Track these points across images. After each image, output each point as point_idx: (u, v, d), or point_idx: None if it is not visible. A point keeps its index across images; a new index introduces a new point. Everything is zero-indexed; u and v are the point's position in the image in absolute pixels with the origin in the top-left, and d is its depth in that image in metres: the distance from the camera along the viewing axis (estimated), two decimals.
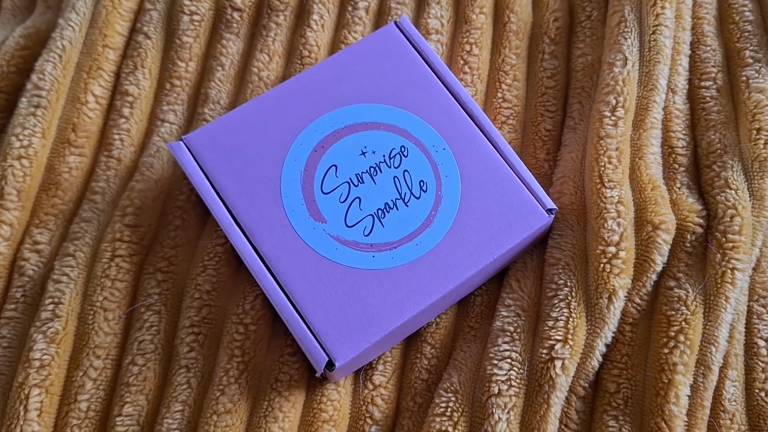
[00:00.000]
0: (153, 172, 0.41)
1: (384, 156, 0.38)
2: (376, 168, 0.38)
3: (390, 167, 0.38)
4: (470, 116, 0.39)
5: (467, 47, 0.44)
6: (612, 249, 0.37)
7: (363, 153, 0.38)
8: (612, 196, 0.38)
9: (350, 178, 0.38)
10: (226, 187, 0.37)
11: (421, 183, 0.38)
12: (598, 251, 0.37)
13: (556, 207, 0.38)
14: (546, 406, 0.36)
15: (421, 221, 0.37)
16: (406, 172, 0.38)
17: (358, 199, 0.37)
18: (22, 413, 0.36)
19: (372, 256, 0.36)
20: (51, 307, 0.38)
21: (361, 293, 0.36)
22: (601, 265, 0.37)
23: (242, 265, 0.40)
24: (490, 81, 0.45)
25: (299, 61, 0.44)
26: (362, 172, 0.38)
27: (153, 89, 0.44)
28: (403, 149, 0.38)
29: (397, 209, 0.37)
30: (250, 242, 0.36)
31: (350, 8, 0.46)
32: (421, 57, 0.40)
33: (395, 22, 0.41)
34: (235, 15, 0.46)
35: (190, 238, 0.41)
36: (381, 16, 0.46)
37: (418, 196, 0.37)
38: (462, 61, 0.44)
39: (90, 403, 0.37)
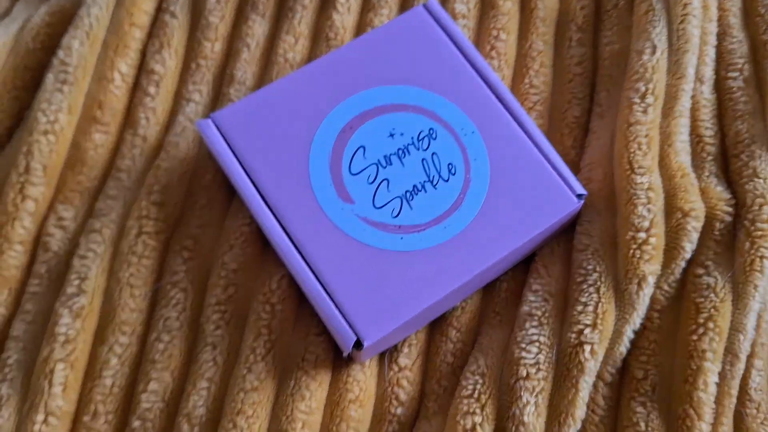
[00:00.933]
0: (178, 151, 0.41)
1: (412, 138, 0.38)
2: (405, 150, 0.38)
3: (418, 149, 0.38)
4: (500, 100, 0.39)
5: (494, 32, 0.44)
6: (642, 235, 0.37)
7: (391, 135, 0.38)
8: (642, 183, 0.38)
9: (378, 160, 0.37)
10: (253, 166, 0.37)
11: (450, 166, 0.37)
12: (628, 237, 0.37)
13: (585, 192, 0.38)
14: (574, 390, 0.36)
15: (450, 204, 0.37)
16: (434, 155, 0.38)
17: (386, 181, 0.37)
18: (46, 388, 0.36)
19: (400, 237, 0.36)
20: (77, 282, 0.38)
21: (389, 274, 0.35)
22: (631, 251, 0.37)
23: (268, 246, 0.40)
24: (517, 67, 0.45)
25: (325, 44, 0.44)
26: (390, 154, 0.38)
27: (178, 69, 0.44)
28: (431, 132, 0.38)
29: (426, 192, 0.37)
30: (278, 221, 0.36)
31: None
32: (450, 40, 0.40)
33: (423, 5, 0.41)
34: None
35: (216, 217, 0.40)
36: (408, 0, 0.46)
37: (446, 179, 0.37)
38: (489, 46, 0.44)
39: (115, 379, 0.37)
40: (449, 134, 0.38)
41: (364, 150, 0.38)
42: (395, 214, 0.36)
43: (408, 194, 0.37)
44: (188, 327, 0.38)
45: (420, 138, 0.38)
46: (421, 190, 0.37)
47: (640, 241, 0.37)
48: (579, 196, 0.38)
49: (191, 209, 0.40)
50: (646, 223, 0.37)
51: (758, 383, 0.38)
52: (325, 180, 0.37)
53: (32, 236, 0.40)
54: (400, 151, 0.38)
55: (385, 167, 0.37)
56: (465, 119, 0.38)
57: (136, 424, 0.36)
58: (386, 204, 0.37)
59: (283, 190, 0.37)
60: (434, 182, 0.37)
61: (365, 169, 0.37)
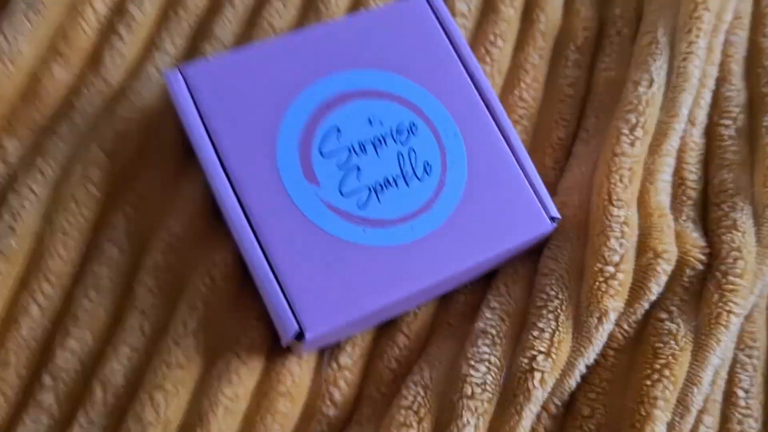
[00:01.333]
0: (140, 101, 0.38)
1: (391, 129, 0.36)
2: (382, 140, 0.36)
3: (396, 142, 0.36)
4: (488, 107, 0.37)
5: (491, 37, 0.43)
6: (611, 269, 0.35)
7: (370, 121, 0.36)
8: (618, 216, 0.36)
9: (352, 145, 0.35)
10: (217, 130, 0.34)
11: (426, 165, 0.36)
12: (595, 268, 0.36)
13: (559, 216, 0.37)
14: (517, 417, 0.34)
15: (420, 205, 0.35)
16: (411, 151, 0.36)
17: (357, 168, 0.35)
18: None
19: (363, 230, 0.34)
20: (9, 220, 0.35)
21: (345, 267, 0.33)
22: (597, 283, 0.35)
23: (219, 218, 0.37)
24: (509, 76, 0.43)
25: (315, 15, 0.42)
26: (366, 141, 0.35)
27: (156, 15, 0.42)
28: (412, 126, 0.36)
29: (397, 187, 0.35)
30: (234, 192, 0.34)
31: None
32: (445, 36, 0.38)
33: None
34: None
35: (168, 178, 0.38)
36: None
37: (420, 177, 0.35)
38: (484, 50, 0.43)
39: (33, 331, 0.34)
40: (430, 132, 0.36)
41: (339, 132, 0.35)
42: (361, 204, 0.34)
43: (378, 186, 0.35)
44: (119, 288, 0.35)
45: (399, 130, 0.36)
46: (392, 185, 0.35)
47: (607, 274, 0.35)
48: (552, 219, 0.36)
49: (143, 165, 0.38)
50: (617, 257, 0.36)
51: None
52: (292, 156, 0.34)
53: None
54: (377, 140, 0.36)
55: (358, 154, 0.35)
56: (449, 120, 0.37)
57: (47, 380, 0.33)
58: (353, 192, 0.34)
59: (245, 160, 0.34)
60: (407, 179, 0.35)
61: (337, 151, 0.35)
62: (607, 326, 0.35)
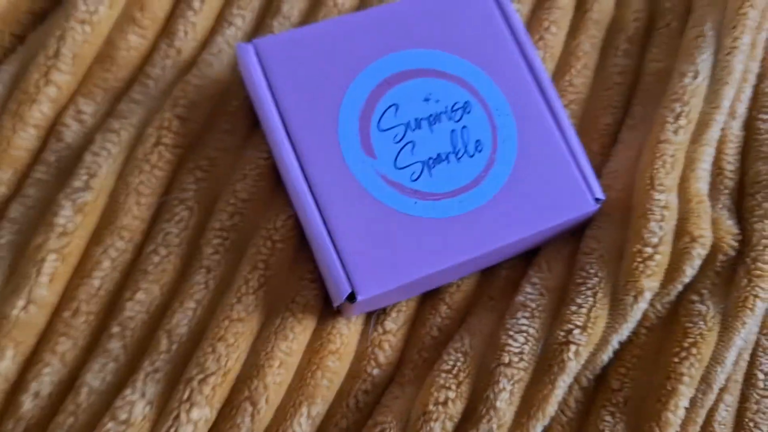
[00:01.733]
0: (211, 71, 0.41)
1: (447, 107, 0.38)
2: (437, 117, 0.37)
3: (450, 120, 0.37)
4: (540, 89, 0.39)
5: (546, 24, 0.44)
6: (649, 250, 0.37)
7: (427, 99, 0.38)
8: (659, 200, 0.38)
9: (409, 121, 0.37)
10: (283, 101, 0.36)
11: (477, 143, 0.37)
12: (635, 249, 0.37)
13: (603, 197, 0.38)
14: (551, 386, 0.36)
15: (469, 180, 0.37)
16: (464, 128, 0.37)
17: (411, 144, 0.37)
18: (33, 275, 0.35)
19: (414, 202, 0.36)
20: (85, 177, 0.37)
21: (396, 235, 0.35)
22: (635, 264, 0.37)
23: (281, 184, 0.39)
24: (560, 62, 0.45)
25: None
26: (422, 118, 0.37)
27: None
28: (467, 105, 0.38)
29: (448, 162, 0.37)
30: (297, 160, 0.36)
31: None
32: (503, 18, 0.40)
33: None
34: None
35: (236, 144, 0.40)
36: None
37: (471, 154, 0.37)
38: (538, 36, 0.44)
39: (103, 282, 0.37)
40: (483, 111, 0.38)
41: (397, 108, 0.37)
42: (414, 177, 0.36)
43: (431, 161, 0.37)
44: (187, 245, 0.38)
45: (454, 109, 0.38)
46: (444, 160, 0.37)
47: (646, 255, 0.37)
48: (597, 200, 0.38)
49: (212, 131, 0.40)
50: (656, 240, 0.37)
51: (724, 417, 0.39)
52: (352, 130, 0.36)
53: (49, 123, 0.39)
54: (432, 118, 0.37)
55: (413, 130, 0.37)
56: (502, 99, 0.38)
57: (115, 329, 0.36)
58: (408, 166, 0.36)
59: (308, 131, 0.36)
60: (459, 155, 0.37)
61: (394, 127, 0.37)
62: (642, 305, 0.37)
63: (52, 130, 0.39)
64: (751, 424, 0.39)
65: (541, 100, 0.39)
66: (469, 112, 0.38)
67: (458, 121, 0.38)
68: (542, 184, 0.37)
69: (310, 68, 0.37)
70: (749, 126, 0.43)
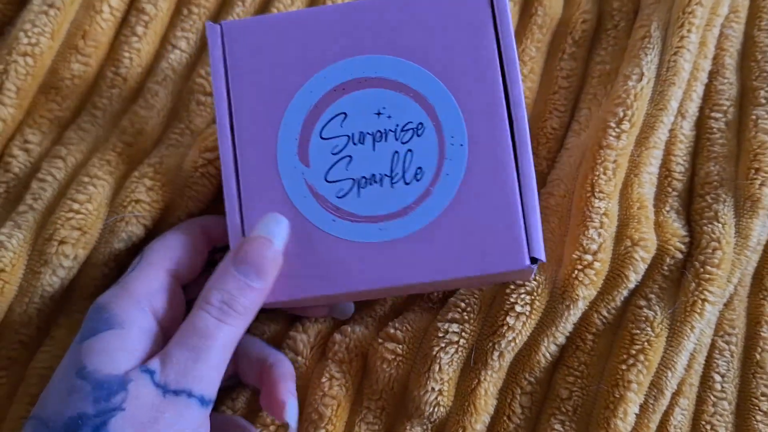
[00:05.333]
0: (156, 101, 0.41)
1: (398, 125, 0.34)
2: (384, 135, 0.34)
3: (397, 140, 0.34)
4: (511, 125, 0.34)
5: None
6: (588, 257, 0.37)
7: (379, 113, 0.34)
8: (599, 207, 0.38)
9: (353, 134, 0.34)
10: (236, 86, 0.35)
11: (419, 170, 0.34)
12: (574, 256, 0.37)
13: (543, 259, 0.33)
14: (477, 380, 0.37)
15: (397, 208, 0.34)
16: (409, 152, 0.34)
17: (349, 158, 0.34)
18: None
19: (333, 219, 0.34)
20: (30, 201, 0.38)
21: (307, 249, 0.34)
22: (575, 272, 0.37)
23: None
24: None
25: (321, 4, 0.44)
26: (367, 133, 0.34)
27: (170, 12, 0.44)
28: (420, 127, 0.34)
29: (381, 186, 0.34)
30: (233, 148, 0.35)
31: None
32: (495, 35, 0.35)
33: None
34: None
35: (177, 156, 0.40)
36: None
37: (408, 181, 0.34)
38: None
39: (52, 300, 0.37)
40: (436, 137, 0.34)
41: (345, 118, 0.34)
42: (341, 194, 0.34)
43: (363, 181, 0.34)
44: None
45: (405, 128, 0.34)
46: (377, 182, 0.34)
47: (585, 263, 0.37)
48: (534, 259, 0.33)
49: (157, 148, 0.41)
50: (594, 246, 0.37)
51: (680, 421, 0.39)
52: (293, 132, 0.34)
53: None
54: (378, 134, 0.34)
55: (355, 144, 0.34)
56: (462, 128, 0.34)
57: None
58: (337, 181, 0.34)
59: (250, 123, 0.35)
60: (395, 180, 0.34)
61: (336, 138, 0.34)
62: (575, 311, 0.38)
63: (0, 162, 0.40)
64: (708, 427, 0.39)
65: (508, 135, 0.34)
66: (419, 135, 0.34)
67: (405, 143, 0.34)
68: (476, 228, 0.33)
69: (269, 58, 0.35)
70: (701, 125, 0.43)
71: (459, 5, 0.35)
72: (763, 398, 0.40)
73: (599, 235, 0.37)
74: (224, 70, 0.35)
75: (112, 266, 0.38)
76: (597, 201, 0.38)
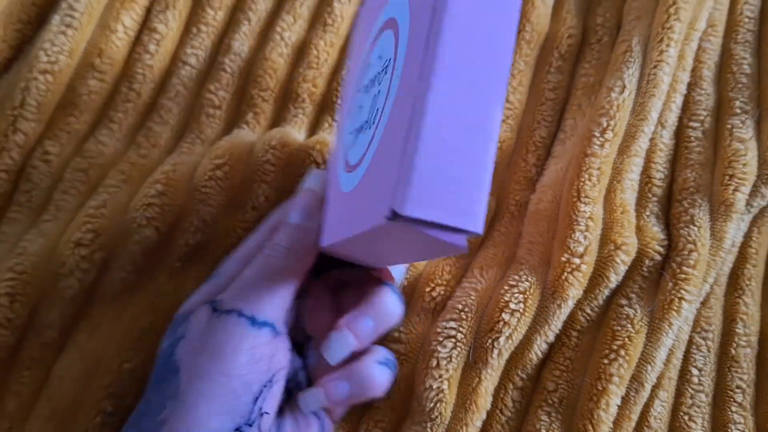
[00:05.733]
0: (170, 117, 0.44)
1: (383, 67, 0.30)
2: (376, 78, 0.30)
3: (380, 83, 0.29)
4: (429, 53, 0.25)
5: None
6: (576, 260, 0.40)
7: (380, 57, 0.31)
8: (584, 211, 0.41)
9: (366, 82, 0.32)
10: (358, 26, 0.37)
11: (377, 113, 0.29)
12: (563, 259, 0.40)
13: (414, 215, 0.23)
14: (477, 379, 0.39)
15: (359, 157, 0.29)
16: (379, 93, 0.29)
17: (359, 107, 0.32)
18: None
19: (343, 173, 0.32)
20: (54, 212, 0.41)
21: (331, 200, 0.34)
22: (564, 274, 0.40)
23: None
24: None
25: (322, 28, 0.47)
26: (371, 79, 0.31)
27: (180, 31, 0.47)
28: (387, 64, 0.29)
29: (365, 134, 0.30)
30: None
31: None
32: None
33: None
34: None
35: (189, 164, 0.43)
36: None
37: (370, 126, 0.29)
38: None
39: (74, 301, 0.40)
40: (390, 75, 0.28)
41: (368, 65, 0.33)
42: (350, 145, 0.32)
43: (358, 129, 0.31)
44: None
45: (385, 68, 0.29)
46: (363, 130, 0.30)
47: (574, 265, 0.40)
48: (396, 215, 0.23)
49: (169, 157, 0.43)
50: (581, 249, 0.40)
51: (659, 412, 0.41)
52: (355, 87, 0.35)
53: (18, 167, 0.43)
54: (376, 78, 0.30)
55: (365, 92, 0.32)
56: (400, 63, 0.27)
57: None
58: (352, 132, 0.32)
59: (349, 79, 0.37)
60: (368, 126, 0.29)
61: (362, 89, 0.32)
62: (565, 310, 0.40)
63: (21, 173, 0.43)
64: (686, 417, 0.42)
65: (421, 70, 0.25)
66: (386, 74, 0.29)
67: (380, 84, 0.29)
68: (376, 181, 0.26)
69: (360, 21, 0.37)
70: (679, 134, 0.46)
71: None
72: (738, 390, 0.42)
73: (585, 238, 0.40)
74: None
75: (129, 270, 0.40)
76: (583, 206, 0.41)
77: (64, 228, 0.40)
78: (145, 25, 0.46)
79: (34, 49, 0.43)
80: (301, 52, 0.47)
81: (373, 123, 0.28)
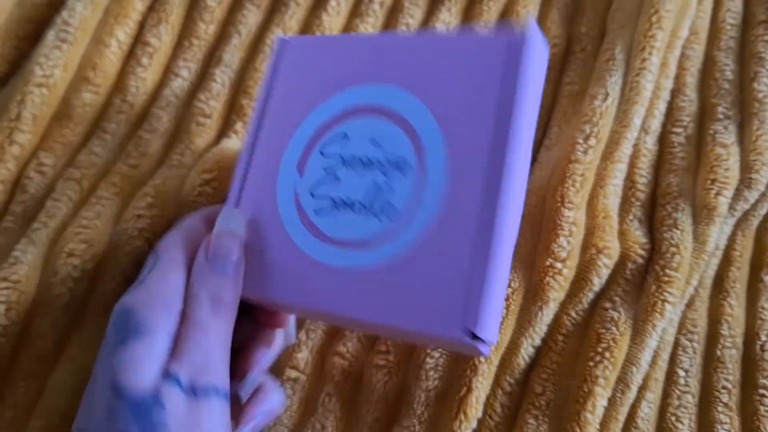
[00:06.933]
0: (160, 125, 0.45)
1: (387, 157, 0.33)
2: (371, 162, 0.34)
3: (381, 171, 0.33)
4: (498, 180, 0.30)
5: None
6: (559, 265, 0.41)
7: (374, 141, 0.34)
8: (568, 216, 0.41)
9: (345, 156, 0.34)
10: (275, 93, 0.37)
11: (391, 208, 0.32)
12: (546, 263, 0.41)
13: (489, 339, 0.30)
14: (467, 388, 0.40)
15: (360, 239, 0.33)
16: (389, 187, 0.33)
17: (335, 178, 0.34)
18: None
19: (304, 233, 0.34)
20: (44, 219, 0.41)
21: (274, 252, 0.34)
22: (547, 278, 0.41)
23: None
24: None
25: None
26: (358, 158, 0.34)
27: (172, 44, 0.48)
28: (406, 165, 0.33)
29: (354, 212, 0.33)
30: (254, 138, 0.37)
31: (366, 0, 0.49)
32: (501, 92, 0.32)
33: (508, 40, 0.32)
34: None
35: (179, 177, 0.44)
36: (393, 13, 0.50)
37: (378, 216, 0.33)
38: None
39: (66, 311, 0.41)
40: (417, 182, 0.32)
41: (345, 139, 0.35)
42: (318, 210, 0.34)
43: (341, 203, 0.34)
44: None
45: (392, 161, 0.33)
46: (350, 208, 0.33)
47: (556, 269, 0.41)
48: (471, 334, 0.29)
49: (159, 169, 0.44)
50: (564, 254, 0.41)
51: (646, 413, 0.42)
52: (301, 143, 0.36)
53: (14, 178, 0.43)
54: (367, 161, 0.34)
55: (345, 166, 0.34)
56: (441, 182, 0.32)
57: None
58: (320, 198, 0.34)
59: (274, 126, 0.37)
60: (366, 210, 0.33)
61: (332, 157, 0.35)
62: (547, 312, 0.41)
63: (17, 184, 0.43)
64: (673, 418, 0.42)
65: (482, 204, 0.30)
66: (403, 174, 0.33)
67: (388, 176, 0.33)
68: (424, 283, 0.31)
69: (306, 72, 0.37)
70: (663, 139, 0.46)
71: (480, 54, 0.33)
72: (723, 391, 0.43)
73: (569, 242, 0.41)
74: (270, 77, 0.38)
75: (119, 281, 0.41)
76: (566, 211, 0.42)
77: (54, 236, 0.41)
78: (138, 39, 0.47)
79: (30, 63, 0.45)
80: None
81: (384, 213, 0.32)
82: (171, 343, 0.32)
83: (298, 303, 0.33)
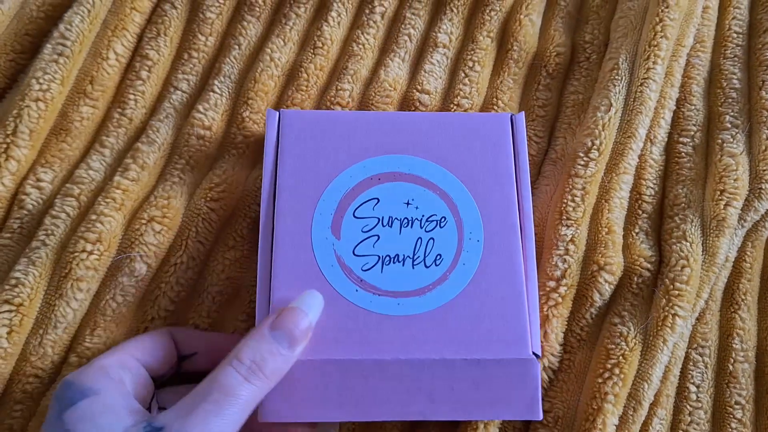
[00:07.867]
0: (158, 136, 0.44)
1: (423, 216, 0.39)
2: (410, 222, 0.39)
3: (421, 228, 0.39)
4: (521, 231, 0.39)
5: (470, 63, 0.47)
6: (552, 283, 0.40)
7: (408, 203, 0.39)
8: (565, 234, 0.41)
9: (383, 217, 0.39)
10: (285, 166, 0.39)
11: (438, 257, 0.38)
12: (541, 282, 0.41)
13: (540, 354, 0.38)
14: None
15: (416, 288, 0.38)
16: (431, 240, 0.39)
17: (377, 237, 0.38)
18: None
19: (356, 289, 0.37)
20: (43, 237, 0.41)
21: (326, 313, 0.37)
22: (542, 297, 0.41)
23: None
24: (487, 97, 0.48)
25: (311, 51, 0.47)
26: (395, 218, 0.39)
27: (171, 57, 0.47)
28: (443, 220, 0.39)
29: (403, 265, 0.38)
30: (273, 217, 0.38)
31: (367, 11, 0.49)
32: (512, 157, 0.41)
33: (511, 115, 0.42)
34: (259, 0, 0.48)
35: (181, 197, 0.43)
36: (395, 23, 0.49)
37: (428, 265, 0.38)
38: (463, 74, 0.47)
39: (65, 331, 0.40)
40: (456, 231, 0.39)
41: (377, 203, 0.39)
42: (366, 268, 0.38)
43: (387, 259, 0.38)
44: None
45: (430, 219, 0.39)
46: (399, 262, 0.38)
47: (548, 288, 0.41)
48: (535, 354, 0.37)
49: (161, 186, 0.43)
50: (558, 273, 0.40)
51: (658, 431, 0.41)
52: (329, 209, 0.39)
53: (10, 194, 0.43)
54: (405, 221, 0.39)
55: (384, 226, 0.39)
56: (479, 227, 0.39)
57: None
58: (364, 256, 0.38)
59: (292, 197, 0.39)
60: (416, 262, 0.38)
61: (368, 218, 0.39)
62: (551, 330, 0.41)
63: (13, 200, 0.43)
64: None
65: (518, 239, 0.39)
66: (442, 227, 0.39)
67: (429, 231, 0.39)
68: (485, 316, 0.37)
69: (316, 144, 0.40)
70: (670, 150, 0.46)
71: (486, 127, 0.41)
72: (737, 407, 0.42)
73: (564, 261, 0.40)
74: (275, 150, 0.40)
75: (120, 301, 0.40)
76: (564, 228, 0.41)
77: (54, 255, 0.40)
78: (136, 52, 0.47)
79: (27, 77, 0.44)
80: (291, 75, 0.47)
81: (432, 265, 0.38)
82: (132, 401, 0.31)
83: (362, 355, 0.36)
